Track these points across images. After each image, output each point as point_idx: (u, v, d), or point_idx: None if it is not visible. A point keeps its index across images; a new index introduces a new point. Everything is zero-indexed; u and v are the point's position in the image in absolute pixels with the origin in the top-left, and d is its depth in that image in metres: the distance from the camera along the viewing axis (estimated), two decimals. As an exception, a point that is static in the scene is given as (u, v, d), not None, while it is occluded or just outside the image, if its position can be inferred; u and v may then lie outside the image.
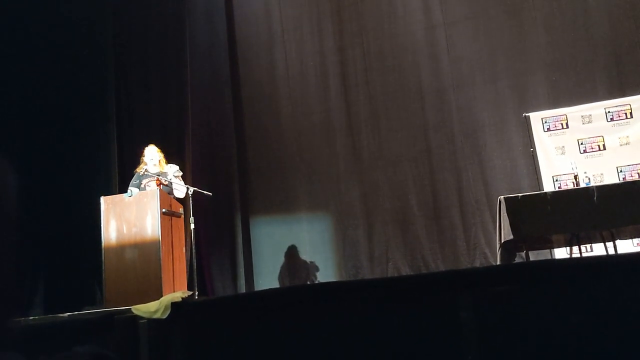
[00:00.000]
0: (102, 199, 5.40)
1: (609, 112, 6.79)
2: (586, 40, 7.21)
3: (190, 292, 3.12)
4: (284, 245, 7.70)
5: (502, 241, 5.31)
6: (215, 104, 8.21)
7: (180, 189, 5.71)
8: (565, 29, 7.28)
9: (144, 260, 5.19)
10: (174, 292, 5.35)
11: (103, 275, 5.26)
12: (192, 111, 7.86)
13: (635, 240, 6.18)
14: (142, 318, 3.05)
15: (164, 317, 3.10)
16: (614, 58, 7.09)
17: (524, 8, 7.45)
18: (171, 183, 5.69)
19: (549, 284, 2.56)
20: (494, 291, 2.60)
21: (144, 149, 5.94)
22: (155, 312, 3.05)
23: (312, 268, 7.53)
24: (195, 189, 5.67)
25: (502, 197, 5.48)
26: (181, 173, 5.88)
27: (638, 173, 6.55)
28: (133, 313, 3.10)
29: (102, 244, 5.29)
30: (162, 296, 5.01)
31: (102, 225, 5.33)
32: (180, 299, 3.07)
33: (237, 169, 8.00)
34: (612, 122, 6.77)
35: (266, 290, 2.93)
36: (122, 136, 7.66)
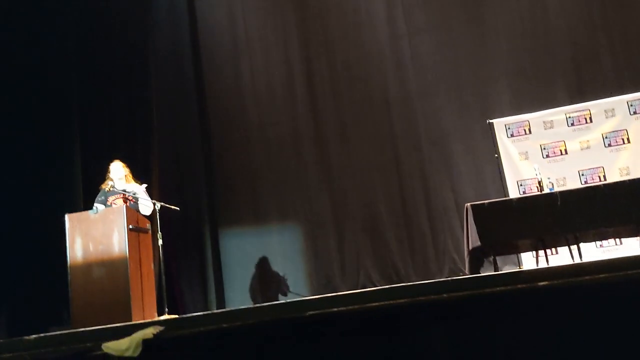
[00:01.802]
0: (67, 217, 5.29)
1: (569, 117, 6.96)
2: (546, 47, 7.37)
3: (162, 328, 3.04)
4: (254, 257, 7.65)
5: (470, 248, 5.40)
6: (181, 117, 8.12)
7: (147, 205, 5.62)
8: (526, 37, 7.44)
9: (111, 278, 5.11)
10: (143, 309, 5.28)
11: (70, 295, 5.16)
12: (157, 124, 7.78)
13: (598, 243, 6.34)
14: (113, 357, 2.97)
15: (136, 355, 3.02)
16: (573, 65, 7.28)
17: (485, 17, 7.59)
18: (137, 199, 5.60)
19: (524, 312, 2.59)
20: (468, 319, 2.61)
21: (109, 164, 5.83)
22: (127, 349, 2.98)
23: (283, 280, 7.51)
24: (162, 204, 5.58)
25: (468, 204, 5.57)
26: (145, 186, 5.79)
27: (599, 176, 6.72)
28: (103, 351, 3.02)
29: (68, 263, 5.19)
30: (130, 314, 4.96)
31: (67, 243, 5.22)
32: (152, 335, 2.99)
33: (204, 182, 7.92)
34: (573, 127, 6.94)
35: (247, 325, 2.87)
36: (87, 152, 7.53)
